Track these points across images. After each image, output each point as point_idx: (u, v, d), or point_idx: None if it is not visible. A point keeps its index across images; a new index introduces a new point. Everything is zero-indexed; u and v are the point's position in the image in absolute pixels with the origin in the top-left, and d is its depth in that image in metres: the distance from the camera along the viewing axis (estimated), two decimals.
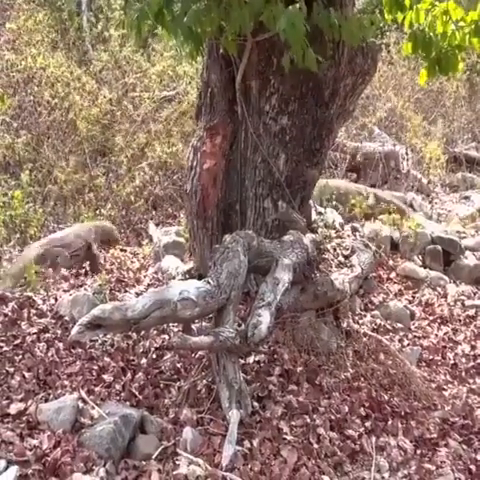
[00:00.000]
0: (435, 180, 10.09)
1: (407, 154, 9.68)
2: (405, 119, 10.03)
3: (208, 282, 3.81)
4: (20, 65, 8.14)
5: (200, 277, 5.18)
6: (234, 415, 3.60)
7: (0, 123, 7.57)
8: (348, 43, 4.72)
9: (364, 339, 4.80)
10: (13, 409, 3.48)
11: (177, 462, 3.36)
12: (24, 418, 3.44)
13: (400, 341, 4.95)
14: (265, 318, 3.75)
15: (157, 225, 7.66)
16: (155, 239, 6.19)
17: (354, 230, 5.95)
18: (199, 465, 3.34)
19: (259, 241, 4.22)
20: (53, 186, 7.09)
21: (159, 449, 3.44)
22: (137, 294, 4.90)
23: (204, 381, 3.99)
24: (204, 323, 4.38)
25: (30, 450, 3.22)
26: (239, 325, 3.94)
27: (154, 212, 8.22)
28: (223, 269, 3.89)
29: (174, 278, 5.31)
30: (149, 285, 5.12)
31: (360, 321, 5.06)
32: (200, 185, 5.18)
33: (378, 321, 5.11)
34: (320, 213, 5.97)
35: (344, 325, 4.91)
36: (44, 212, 6.99)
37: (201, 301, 3.68)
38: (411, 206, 8.53)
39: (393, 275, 5.97)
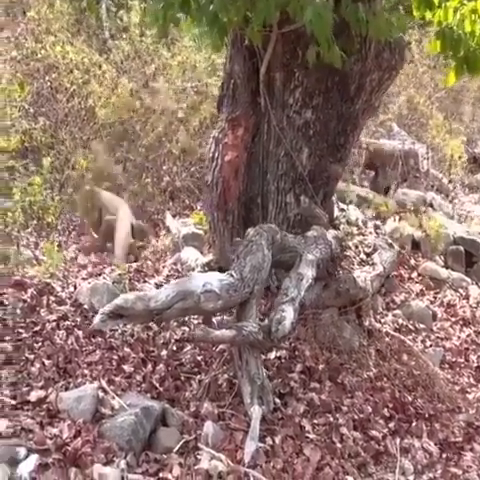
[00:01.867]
0: (455, 180, 9.98)
1: (427, 153, 9.56)
2: (426, 117, 9.91)
3: (231, 275, 3.75)
4: (40, 53, 8.06)
5: (220, 270, 5.14)
6: (256, 411, 3.54)
7: (18, 109, 7.49)
8: (375, 38, 4.64)
9: (386, 339, 4.72)
10: (33, 396, 3.43)
11: (198, 456, 3.31)
12: (44, 406, 3.38)
13: (422, 342, 4.89)
14: (289, 314, 3.69)
15: (174, 216, 7.59)
16: (173, 230, 6.12)
17: (376, 228, 5.87)
18: (221, 460, 3.28)
19: (282, 235, 4.15)
20: (73, 172, 6.99)
21: (180, 443, 3.39)
22: (156, 285, 4.83)
23: (225, 375, 3.93)
24: (224, 316, 4.30)
25: (50, 439, 3.17)
26: (261, 320, 3.86)
27: (171, 203, 8.15)
28: (246, 262, 3.83)
29: (193, 270, 5.24)
30: (168, 276, 5.05)
31: (382, 320, 4.99)
32: (221, 177, 5.11)
33: (400, 321, 5.04)
34: (342, 210, 5.89)
35: (366, 324, 4.85)
36: (61, 199, 6.92)
37: (224, 294, 3.62)
38: (431, 206, 8.42)
39: (414, 275, 5.89)
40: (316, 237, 4.33)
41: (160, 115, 8.10)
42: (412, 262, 5.99)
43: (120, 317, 3.35)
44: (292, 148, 4.89)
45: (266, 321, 3.72)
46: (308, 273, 3.98)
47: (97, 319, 3.28)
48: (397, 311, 5.16)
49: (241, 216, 5.13)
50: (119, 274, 4.68)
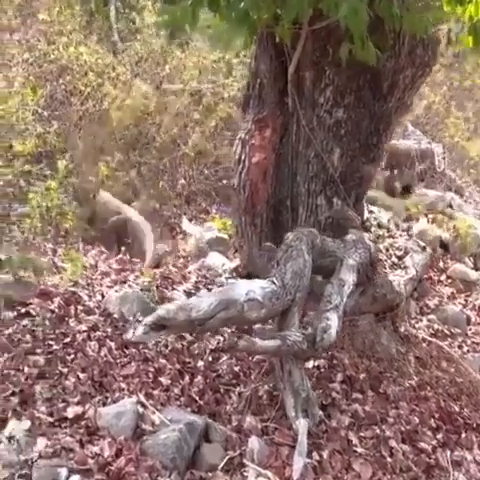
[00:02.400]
0: (470, 180, 9.84)
1: (444, 152, 9.41)
2: (442, 116, 9.75)
3: (273, 282, 3.60)
4: (52, 55, 7.90)
5: (248, 276, 5.02)
6: (302, 425, 3.39)
7: (32, 113, 7.33)
8: (409, 33, 4.50)
9: (423, 345, 4.57)
10: (70, 413, 3.27)
11: (245, 474, 3.16)
12: (83, 423, 3.23)
13: (459, 347, 4.75)
14: (333, 322, 3.55)
15: (190, 220, 7.45)
16: (197, 234, 5.96)
17: (408, 230, 5.72)
18: (268, 478, 3.13)
19: (322, 240, 3.99)
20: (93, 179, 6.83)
21: (225, 459, 3.23)
22: (186, 292, 4.68)
23: (265, 387, 3.76)
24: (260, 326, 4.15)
25: (92, 458, 3.02)
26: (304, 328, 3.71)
27: (187, 207, 7.99)
28: (287, 269, 3.69)
29: (220, 276, 5.09)
30: (196, 283, 4.90)
31: (417, 325, 4.85)
32: (249, 180, 4.96)
33: (435, 326, 4.90)
34: (371, 211, 5.74)
35: (401, 330, 4.70)
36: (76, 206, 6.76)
37: (267, 302, 3.48)
38: (450, 206, 8.27)
39: (443, 277, 5.74)
40: (355, 241, 4.18)
41: (175, 117, 7.93)
42: (441, 264, 5.82)
43: (163, 328, 3.19)
44: (323, 149, 4.75)
45: (310, 330, 3.56)
46: (349, 279, 3.84)
47: (139, 331, 3.12)
48: (431, 316, 5.02)
49: (270, 220, 4.99)
50: (149, 281, 4.51)
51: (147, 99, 8.19)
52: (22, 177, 6.66)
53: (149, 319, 3.16)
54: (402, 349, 4.49)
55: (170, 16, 4.17)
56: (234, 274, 5.05)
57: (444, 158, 9.59)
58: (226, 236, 5.66)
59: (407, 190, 8.51)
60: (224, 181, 7.80)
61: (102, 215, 7.15)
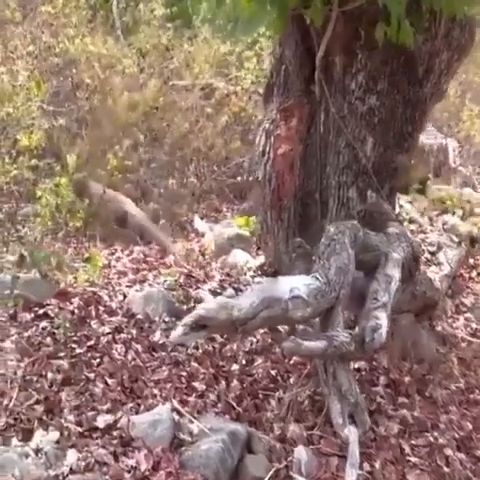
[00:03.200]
0: None
1: (460, 147, 9.17)
2: (456, 109, 9.49)
3: (317, 278, 3.32)
4: (57, 48, 7.61)
5: (274, 273, 4.74)
6: (353, 433, 3.12)
7: (37, 107, 7.04)
8: (446, 14, 4.24)
9: (463, 345, 4.31)
10: (101, 422, 3.00)
11: None
12: (115, 433, 2.95)
13: None
14: (383, 321, 3.29)
15: (201, 218, 7.20)
16: (214, 232, 5.69)
17: (443, 224, 5.45)
18: None
19: (365, 233, 3.72)
20: (102, 172, 6.54)
21: (271, 472, 2.96)
22: (211, 291, 4.41)
23: (306, 391, 3.48)
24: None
25: (128, 472, 2.74)
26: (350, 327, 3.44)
27: (197, 205, 7.73)
28: (331, 264, 3.41)
29: (245, 274, 4.83)
30: (221, 281, 4.62)
31: (454, 325, 4.59)
32: (274, 172, 4.69)
33: (473, 325, 4.62)
34: (401, 206, 5.47)
35: (439, 329, 4.43)
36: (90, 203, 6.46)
37: (312, 300, 3.20)
38: (468, 202, 8.02)
39: (474, 274, 5.48)
40: (398, 234, 3.91)
41: (186, 111, 7.66)
42: (471, 261, 5.56)
43: (203, 328, 2.91)
44: (354, 138, 4.46)
45: (357, 329, 3.29)
46: (396, 274, 3.57)
47: (178, 332, 2.84)
48: (468, 314, 4.75)
49: (297, 214, 4.70)
50: (174, 280, 4.23)
51: (156, 93, 7.92)
52: (29, 173, 6.37)
53: (189, 319, 2.89)
54: (442, 350, 4.22)
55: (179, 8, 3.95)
56: (259, 272, 4.77)
57: (459, 152, 9.36)
58: (247, 233, 5.37)
59: (422, 186, 8.25)
60: (238, 178, 7.56)
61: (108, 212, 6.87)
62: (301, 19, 4.44)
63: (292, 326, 3.66)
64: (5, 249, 5.89)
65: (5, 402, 3.03)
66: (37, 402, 3.08)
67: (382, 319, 3.28)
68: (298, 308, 3.14)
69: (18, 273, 4.06)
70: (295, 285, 3.18)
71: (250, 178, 7.68)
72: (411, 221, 5.24)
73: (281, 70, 4.73)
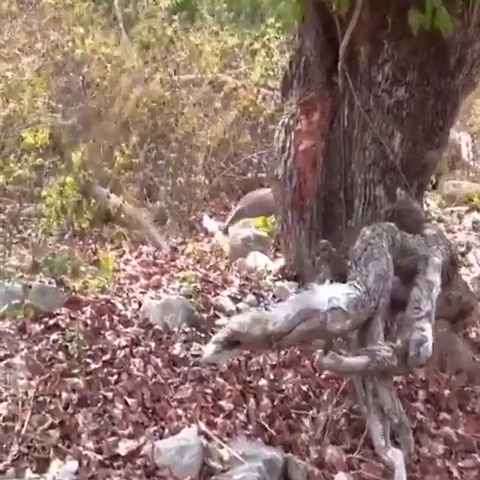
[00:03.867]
0: None
1: (473, 141, 8.90)
2: (468, 103, 9.20)
3: (355, 287, 3.04)
4: (67, 47, 7.30)
5: (296, 277, 4.48)
6: (398, 456, 2.83)
7: (43, 105, 6.74)
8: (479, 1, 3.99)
9: None
10: (123, 449, 2.73)
11: None
12: (139, 461, 2.69)
13: None
14: (428, 332, 3.01)
15: (211, 217, 6.92)
16: (218, 232, 5.43)
17: (475, 223, 5.16)
18: None
19: (402, 235, 3.44)
20: (109, 170, 6.24)
21: None
22: (230, 297, 4.13)
23: (341, 409, 3.21)
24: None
25: None
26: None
27: (206, 203, 7.43)
28: (369, 270, 3.14)
29: (265, 278, 4.54)
30: (241, 286, 4.34)
31: None
32: (296, 169, 4.44)
33: None
34: (427, 204, 5.19)
35: (472, 335, 4.16)
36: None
37: (352, 311, 2.93)
38: None
39: None
40: (436, 236, 3.63)
41: (193, 106, 7.36)
42: None
43: (236, 345, 2.63)
44: (381, 133, 4.20)
45: (399, 342, 3.01)
46: (437, 280, 3.30)
47: (210, 350, 2.56)
48: None
49: (320, 214, 4.45)
50: (194, 286, 3.95)
51: (161, 88, 7.62)
52: (32, 172, 6.08)
53: (221, 335, 2.61)
54: (478, 358, 3.94)
55: None
56: (280, 276, 4.49)
57: (473, 147, 9.10)
58: (265, 234, 5.09)
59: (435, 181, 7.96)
60: (248, 175, 7.28)
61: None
62: (323, 6, 4.19)
63: (329, 340, 3.37)
64: (7, 252, 5.60)
65: (17, 427, 2.76)
66: (52, 426, 2.81)
67: (427, 331, 3.00)
68: (337, 320, 2.87)
69: (29, 280, 3.77)
70: (333, 295, 2.91)
71: (260, 174, 7.40)
72: (438, 220, 4.95)
73: (301, 61, 4.48)
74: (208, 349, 2.58)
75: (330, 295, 2.89)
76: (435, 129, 4.28)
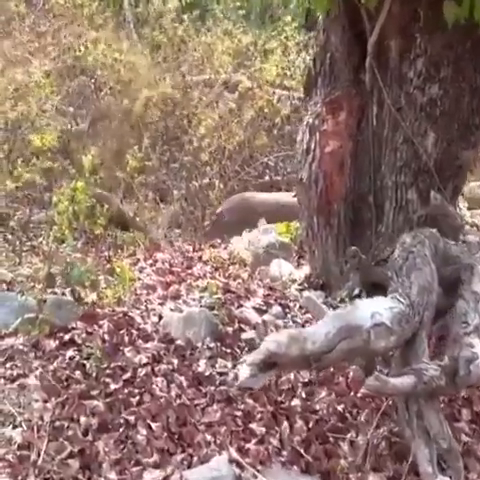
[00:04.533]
0: None
1: None
2: None
3: (398, 300, 2.80)
4: (78, 51, 7.09)
5: (322, 287, 4.25)
6: None
7: (54, 108, 6.53)
8: None
9: None
10: None
11: None
12: None
13: None
14: (478, 348, 2.75)
15: None
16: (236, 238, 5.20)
17: None
18: None
19: (444, 243, 3.20)
20: (121, 174, 6.02)
21: None
22: (255, 309, 3.89)
23: (381, 431, 2.96)
24: None
25: None
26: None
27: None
28: (412, 281, 2.93)
29: (290, 287, 4.30)
30: (265, 296, 4.10)
31: None
32: (322, 172, 4.24)
33: None
34: (459, 208, 4.94)
35: None
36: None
37: (396, 327, 2.71)
38: None
39: None
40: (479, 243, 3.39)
41: (206, 107, 7.14)
42: None
43: (272, 367, 2.40)
44: (413, 133, 3.99)
45: (446, 360, 2.77)
46: None
47: (245, 373, 2.33)
48: None
49: (348, 219, 4.23)
50: (217, 298, 3.71)
51: (173, 89, 7.40)
52: (42, 177, 5.87)
53: (257, 356, 2.40)
54: None
55: None
56: (306, 285, 4.26)
57: None
58: (288, 240, 4.85)
59: None
60: (266, 177, 7.05)
61: None
62: (349, 0, 3.97)
63: (371, 358, 3.14)
64: (18, 260, 5.39)
65: (33, 456, 2.53)
66: (71, 455, 2.57)
67: (477, 347, 2.78)
68: (381, 337, 2.66)
69: (42, 293, 3.54)
70: (376, 310, 2.68)
71: (276, 178, 7.18)
72: (472, 225, 4.70)
73: (326, 58, 4.29)
74: (243, 372, 2.37)
75: (372, 310, 2.67)
76: (471, 127, 4.06)
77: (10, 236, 5.98)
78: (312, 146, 4.29)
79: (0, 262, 5.32)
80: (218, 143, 7.04)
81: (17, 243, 6.00)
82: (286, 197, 6.09)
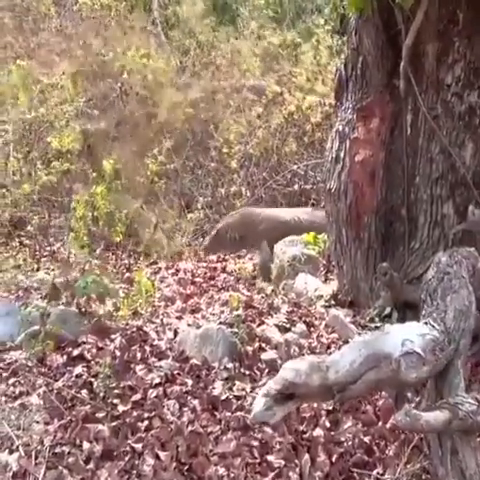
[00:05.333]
0: None
1: None
2: None
3: (432, 325, 2.54)
4: (106, 56, 6.95)
5: (350, 304, 4.02)
6: None
7: (76, 111, 6.37)
8: None
9: None
10: None
11: None
12: None
13: None
14: None
15: None
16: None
17: None
18: None
19: None
20: (141, 179, 5.82)
21: None
22: (278, 326, 3.65)
23: (411, 466, 2.70)
24: None
25: None
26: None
27: None
28: (448, 306, 2.65)
29: (315, 304, 4.06)
30: (289, 313, 3.86)
31: None
32: (351, 182, 4.06)
33: None
34: None
35: None
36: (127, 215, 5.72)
37: (429, 356, 2.45)
38: None
39: None
40: None
41: (234, 113, 6.92)
42: None
43: (290, 398, 2.16)
44: (451, 143, 3.79)
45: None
46: None
47: (259, 406, 2.09)
48: None
49: (379, 233, 4.02)
50: (237, 315, 3.48)
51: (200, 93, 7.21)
52: (62, 180, 5.71)
53: (273, 386, 2.16)
54: None
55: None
56: (333, 302, 4.02)
57: None
58: (314, 253, 4.60)
59: None
60: (295, 186, 6.80)
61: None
62: (384, 1, 3.79)
63: (400, 389, 2.88)
64: (36, 267, 5.23)
65: None
66: None
67: None
68: (413, 367, 2.39)
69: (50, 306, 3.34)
70: (407, 336, 2.42)
71: (306, 186, 6.93)
72: None
73: (358, 62, 4.13)
74: (257, 404, 2.12)
75: (403, 337, 2.41)
76: None
77: (28, 241, 5.83)
78: (342, 154, 4.11)
79: (18, 268, 5.17)
80: (245, 149, 6.81)
81: (37, 247, 5.86)
82: (288, 214, 5.99)
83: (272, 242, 5.16)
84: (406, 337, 2.42)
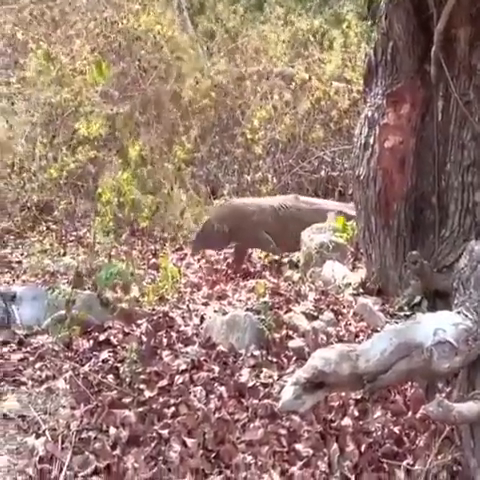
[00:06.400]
0: None
1: None
2: None
3: (465, 315, 2.48)
4: (121, 23, 6.84)
5: (379, 292, 3.96)
6: None
7: (99, 94, 6.33)
8: None
9: None
10: None
11: None
12: None
13: None
14: None
15: None
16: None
17: None
18: None
19: None
20: (168, 165, 5.79)
21: None
22: (305, 314, 3.61)
23: (441, 458, 2.66)
24: None
25: None
26: None
27: None
28: None
29: (343, 292, 4.01)
30: (316, 301, 3.82)
31: None
32: (381, 169, 3.97)
33: None
34: None
35: None
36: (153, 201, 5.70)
37: (462, 346, 2.38)
38: None
39: None
40: None
41: (261, 99, 6.86)
42: None
43: (319, 387, 2.13)
44: None
45: None
46: None
47: (288, 395, 2.05)
48: None
49: (409, 221, 3.94)
50: (264, 302, 3.44)
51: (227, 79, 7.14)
52: (88, 166, 5.69)
53: (302, 375, 2.12)
54: None
55: None
56: (361, 290, 3.96)
57: None
58: (342, 240, 4.55)
59: None
60: (321, 173, 6.74)
61: None
62: None
63: (432, 380, 2.83)
64: (62, 251, 5.24)
65: (54, 472, 2.30)
66: (96, 472, 2.34)
67: None
68: (445, 357, 2.33)
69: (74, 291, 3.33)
70: (439, 326, 2.37)
71: (333, 173, 6.87)
72: None
73: (388, 47, 4.01)
74: (286, 393, 2.08)
75: (435, 326, 2.36)
76: None
77: (54, 226, 5.84)
78: (371, 141, 4.04)
79: (44, 252, 5.18)
80: (272, 136, 6.75)
81: (62, 233, 5.87)
82: (285, 201, 5.62)
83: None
84: (438, 326, 2.37)
